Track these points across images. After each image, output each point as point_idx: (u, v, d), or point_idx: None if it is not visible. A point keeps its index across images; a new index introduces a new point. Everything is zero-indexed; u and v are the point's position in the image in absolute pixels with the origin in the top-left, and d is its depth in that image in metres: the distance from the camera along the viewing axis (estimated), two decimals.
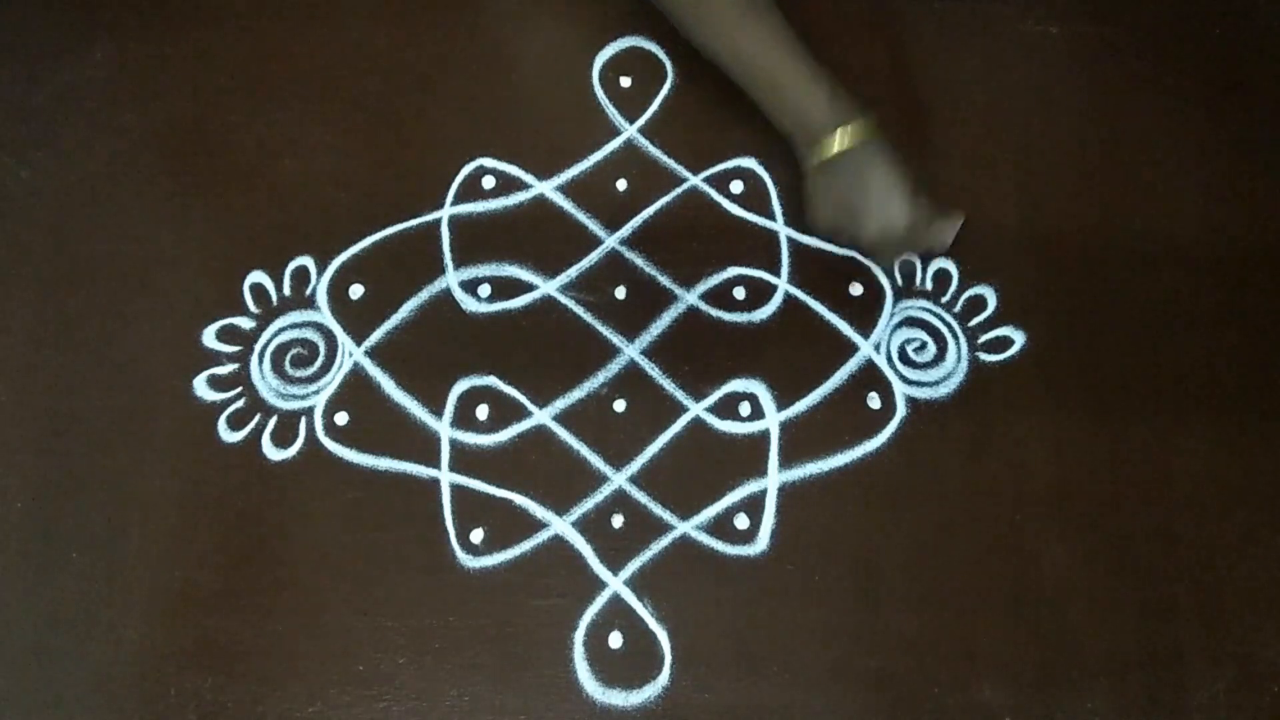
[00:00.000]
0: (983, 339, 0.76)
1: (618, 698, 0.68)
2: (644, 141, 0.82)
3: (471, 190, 0.81)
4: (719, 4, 0.71)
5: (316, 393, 0.76)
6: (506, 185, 0.81)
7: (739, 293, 0.78)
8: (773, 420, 0.74)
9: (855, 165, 0.70)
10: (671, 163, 0.81)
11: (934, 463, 0.73)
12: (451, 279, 0.78)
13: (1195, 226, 0.79)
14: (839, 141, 0.69)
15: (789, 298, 0.77)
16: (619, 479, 0.73)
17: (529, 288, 0.78)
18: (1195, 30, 0.84)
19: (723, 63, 0.73)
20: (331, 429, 0.75)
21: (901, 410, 0.74)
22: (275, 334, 0.78)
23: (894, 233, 0.70)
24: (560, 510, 0.73)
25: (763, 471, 0.73)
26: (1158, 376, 0.75)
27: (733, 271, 0.78)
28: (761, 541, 0.71)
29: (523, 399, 0.75)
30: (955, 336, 0.76)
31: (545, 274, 0.78)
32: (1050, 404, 0.74)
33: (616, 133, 0.82)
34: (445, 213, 0.80)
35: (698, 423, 0.74)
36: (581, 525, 0.72)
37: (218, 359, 0.77)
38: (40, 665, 0.70)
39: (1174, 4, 0.85)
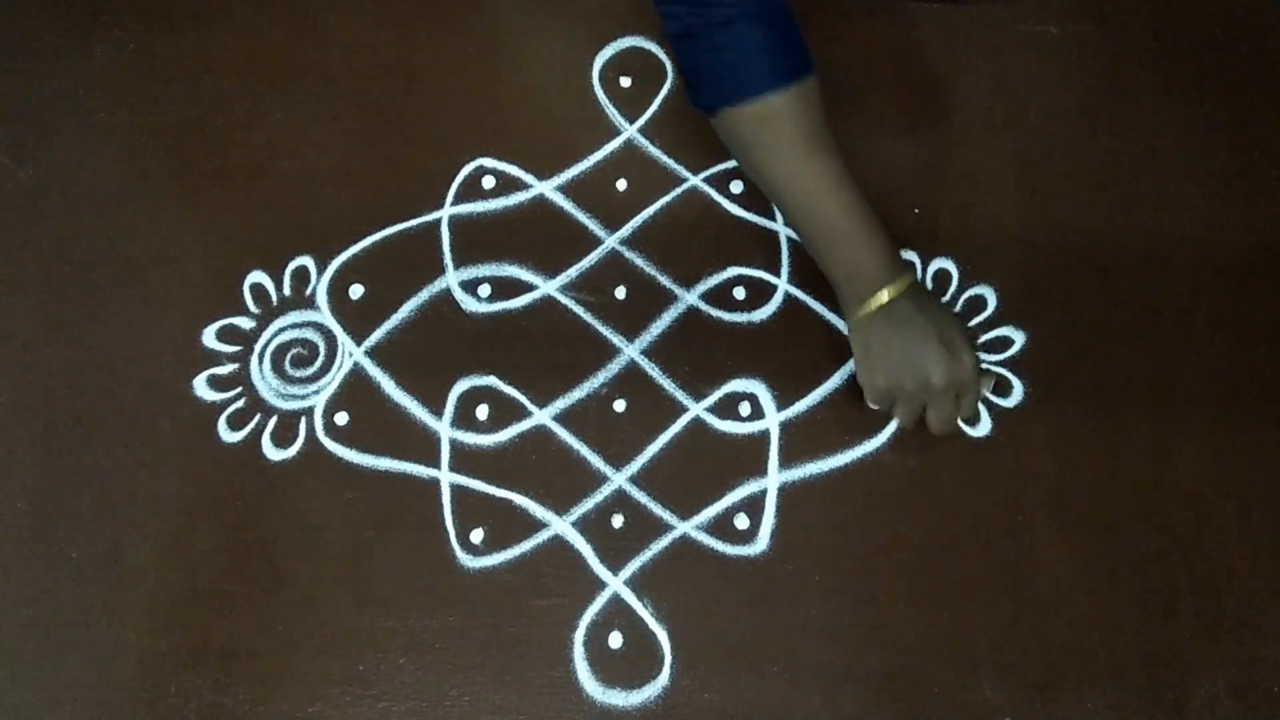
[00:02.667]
0: (983, 339, 0.76)
1: (618, 698, 0.68)
2: (644, 141, 0.82)
3: (471, 190, 0.81)
4: (785, 140, 0.66)
5: (316, 393, 0.76)
6: (506, 185, 0.81)
7: (739, 293, 0.78)
8: (773, 420, 0.74)
9: (907, 313, 0.67)
10: (671, 163, 0.81)
11: (934, 462, 0.73)
12: (451, 279, 0.78)
13: (1195, 226, 0.79)
14: (888, 295, 0.67)
15: (789, 298, 0.77)
16: (619, 479, 0.73)
17: (529, 288, 0.78)
18: (1195, 30, 0.84)
19: (781, 200, 0.69)
20: (331, 429, 0.75)
21: None
22: (275, 334, 0.78)
23: (963, 373, 0.67)
24: (560, 510, 0.73)
25: (763, 471, 0.73)
26: (1158, 376, 0.75)
27: (733, 271, 0.78)
28: (761, 541, 0.71)
29: (523, 399, 0.75)
30: None
31: (545, 274, 0.78)
32: (1050, 404, 0.74)
33: (616, 133, 0.82)
34: (445, 213, 0.80)
35: (698, 423, 0.74)
36: (581, 525, 0.72)
37: (218, 359, 0.77)
38: (40, 665, 0.70)
39: (1174, 4, 0.85)
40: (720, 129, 0.70)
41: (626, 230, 0.79)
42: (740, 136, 0.68)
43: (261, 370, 0.77)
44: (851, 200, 0.67)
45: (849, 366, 0.75)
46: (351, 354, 0.77)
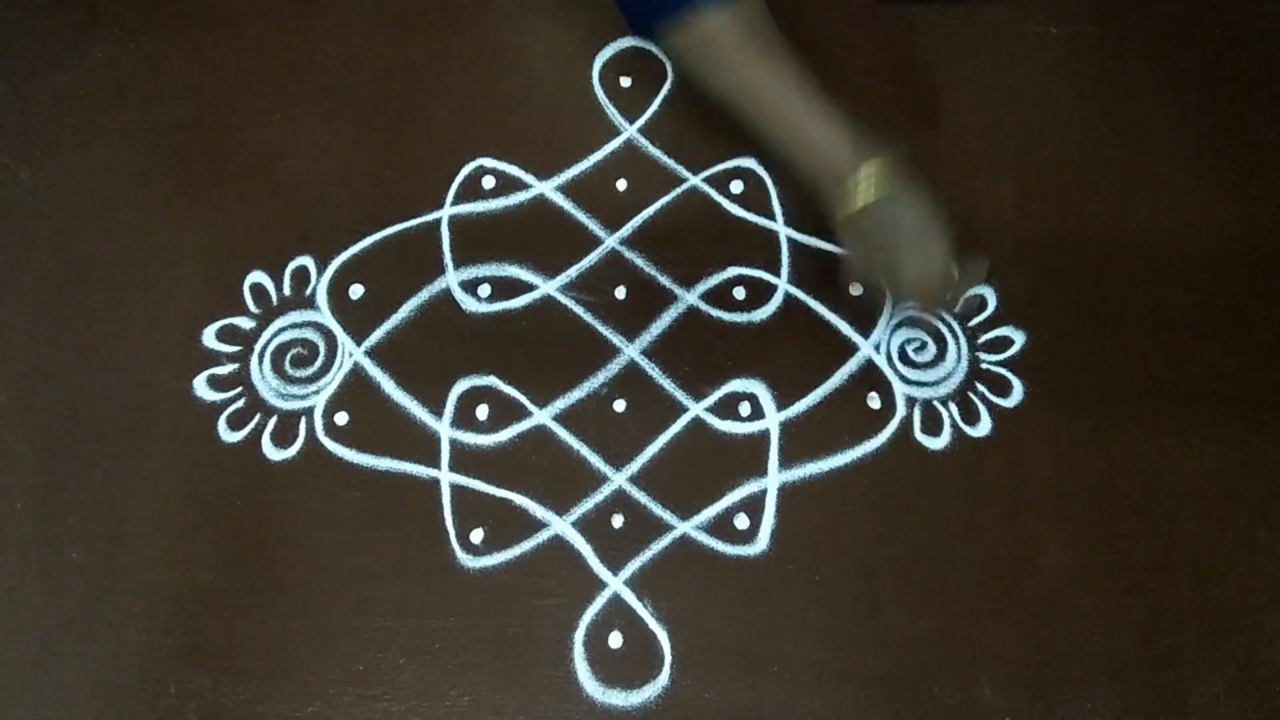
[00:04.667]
0: (983, 339, 0.76)
1: (618, 698, 0.68)
2: (644, 141, 0.82)
3: (471, 190, 0.81)
4: (730, 43, 0.68)
5: (316, 393, 0.76)
6: (506, 185, 0.81)
7: (739, 293, 0.78)
8: (773, 420, 0.74)
9: (887, 211, 0.67)
10: (671, 163, 0.81)
11: (934, 462, 0.73)
12: (451, 279, 0.78)
13: (1195, 226, 0.79)
14: (865, 184, 0.67)
15: (789, 298, 0.77)
16: (619, 479, 0.73)
17: (529, 288, 0.78)
18: (1195, 30, 0.84)
19: (738, 105, 0.70)
20: (331, 429, 0.75)
21: (901, 410, 0.74)
22: (275, 334, 0.78)
23: (932, 276, 0.68)
24: (560, 510, 0.73)
25: (763, 471, 0.73)
26: (1157, 376, 0.75)
27: (733, 271, 0.78)
28: (761, 541, 0.71)
29: (523, 399, 0.75)
30: (955, 336, 0.76)
31: (545, 274, 0.78)
32: (1050, 404, 0.74)
33: (616, 133, 0.82)
34: (445, 213, 0.80)
35: (698, 423, 0.74)
36: (581, 525, 0.72)
37: (218, 359, 0.77)
38: (41, 665, 0.70)
39: (1174, 4, 0.85)
40: (669, 51, 0.73)
41: (626, 230, 0.79)
42: (687, 57, 0.71)
43: (261, 370, 0.77)
44: (805, 91, 0.68)
45: (849, 366, 0.75)
46: (351, 354, 0.77)
